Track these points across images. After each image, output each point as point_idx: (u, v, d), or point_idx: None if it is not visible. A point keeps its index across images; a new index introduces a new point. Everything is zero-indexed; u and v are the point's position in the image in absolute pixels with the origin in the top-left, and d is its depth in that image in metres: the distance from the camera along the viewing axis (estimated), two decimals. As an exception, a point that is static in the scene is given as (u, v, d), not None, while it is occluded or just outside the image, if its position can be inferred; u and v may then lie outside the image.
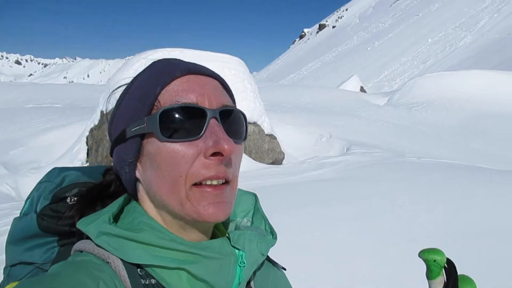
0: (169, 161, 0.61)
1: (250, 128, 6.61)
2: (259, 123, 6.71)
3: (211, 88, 0.65)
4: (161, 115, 0.61)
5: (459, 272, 0.73)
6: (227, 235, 0.68)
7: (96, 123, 6.79)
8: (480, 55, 38.74)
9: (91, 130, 6.79)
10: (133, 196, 0.70)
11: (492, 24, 47.52)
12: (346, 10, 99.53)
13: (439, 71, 28.21)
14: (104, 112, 6.76)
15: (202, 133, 0.61)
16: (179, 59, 0.69)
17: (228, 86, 0.70)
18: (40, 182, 0.76)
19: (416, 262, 2.61)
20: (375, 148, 6.66)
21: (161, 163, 0.62)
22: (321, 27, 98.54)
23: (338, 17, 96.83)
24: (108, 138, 0.72)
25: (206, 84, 0.65)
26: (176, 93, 0.63)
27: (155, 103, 0.63)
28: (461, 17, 53.29)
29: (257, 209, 0.77)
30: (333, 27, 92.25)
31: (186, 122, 0.61)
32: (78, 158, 6.56)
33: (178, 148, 0.61)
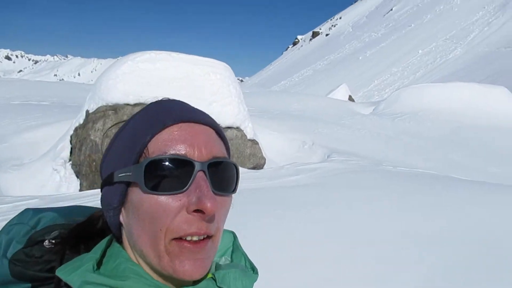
0: (151, 214, 0.60)
1: (233, 133, 6.71)
2: (242, 128, 6.82)
3: (203, 137, 0.63)
4: (147, 166, 0.60)
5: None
6: (211, 276, 0.67)
7: (81, 122, 6.85)
8: (470, 68, 39.33)
9: (76, 129, 6.84)
10: (118, 238, 0.67)
11: (482, 37, 48.30)
12: (340, 18, 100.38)
13: (429, 82, 28.59)
14: (90, 112, 6.81)
15: (186, 187, 0.59)
16: (176, 103, 0.68)
17: (223, 134, 0.68)
18: (10, 225, 0.71)
19: (383, 265, 2.73)
20: (354, 156, 6.80)
21: (142, 214, 0.60)
22: (315, 34, 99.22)
23: (332, 25, 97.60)
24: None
25: (198, 134, 0.63)
26: (166, 143, 0.61)
27: (144, 151, 0.62)
28: (452, 29, 54.08)
29: (236, 246, 0.75)
30: (327, 35, 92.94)
31: (172, 174, 0.60)
32: (61, 156, 6.60)
33: (161, 201, 0.59)
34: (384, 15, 78.07)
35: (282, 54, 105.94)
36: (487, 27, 50.30)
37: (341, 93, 20.23)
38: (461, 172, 6.50)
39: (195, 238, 0.60)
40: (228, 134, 6.74)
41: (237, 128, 6.82)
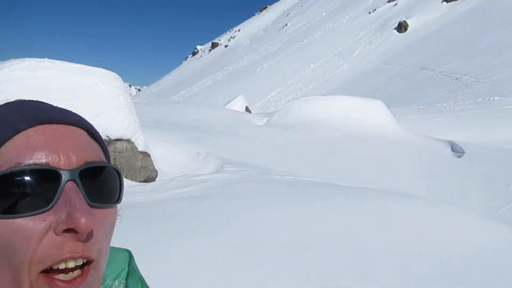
0: (6, 244, 0.47)
1: (123, 145, 6.52)
2: (133, 140, 6.65)
3: (70, 140, 0.52)
4: None
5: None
6: None
7: None
8: (354, 82, 42.98)
9: None
10: None
11: (365, 54, 53.03)
12: (239, 31, 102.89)
13: (319, 94, 30.60)
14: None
15: (52, 203, 0.48)
16: (31, 103, 0.56)
17: (98, 135, 0.58)
18: None
19: (260, 270, 2.85)
20: (247, 166, 7.04)
21: None
22: (214, 45, 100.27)
23: (231, 37, 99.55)
24: None
25: (63, 136, 0.52)
26: (19, 152, 0.49)
27: None
28: (339, 46, 58.53)
29: (132, 269, 0.64)
30: (226, 46, 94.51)
31: (33, 190, 0.48)
32: None
33: (19, 225, 0.47)
34: (280, 30, 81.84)
35: (181, 63, 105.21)
36: (368, 45, 55.44)
37: (238, 104, 20.73)
38: (342, 178, 7.09)
39: (70, 265, 0.48)
40: (117, 146, 6.53)
41: (128, 140, 6.64)
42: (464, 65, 34.04)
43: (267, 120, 13.50)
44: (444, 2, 56.54)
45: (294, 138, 11.14)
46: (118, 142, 6.67)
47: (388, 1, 67.26)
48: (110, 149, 6.77)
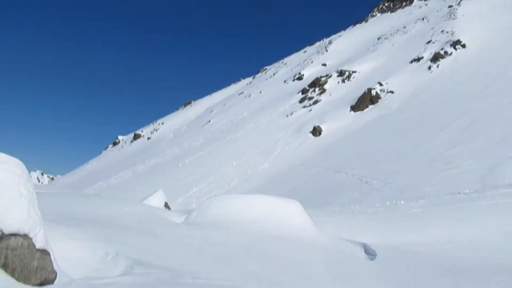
0: None
1: (18, 242, 5.84)
2: (30, 235, 6.01)
3: None
4: None
5: None
6: None
7: None
8: (274, 181, 44.28)
9: None
10: None
11: (284, 155, 55.57)
12: (162, 124, 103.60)
13: (241, 192, 30.88)
14: None
15: None
16: None
17: None
18: None
19: None
20: (158, 268, 6.61)
21: None
22: (136, 136, 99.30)
23: (154, 130, 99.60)
24: None
25: None
26: None
27: None
28: (260, 145, 61.01)
29: None
30: (148, 138, 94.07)
31: None
32: None
33: None
34: (203, 126, 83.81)
35: (100, 153, 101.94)
36: (287, 146, 58.44)
37: (157, 199, 20.11)
38: (255, 283, 6.90)
39: None
40: (11, 243, 5.81)
41: (24, 236, 5.97)
42: (372, 170, 36.83)
43: (185, 218, 13.14)
44: (352, 111, 62.63)
45: (212, 239, 10.86)
46: (12, 238, 5.96)
47: (303, 107, 73.01)
48: (2, 245, 6.02)
